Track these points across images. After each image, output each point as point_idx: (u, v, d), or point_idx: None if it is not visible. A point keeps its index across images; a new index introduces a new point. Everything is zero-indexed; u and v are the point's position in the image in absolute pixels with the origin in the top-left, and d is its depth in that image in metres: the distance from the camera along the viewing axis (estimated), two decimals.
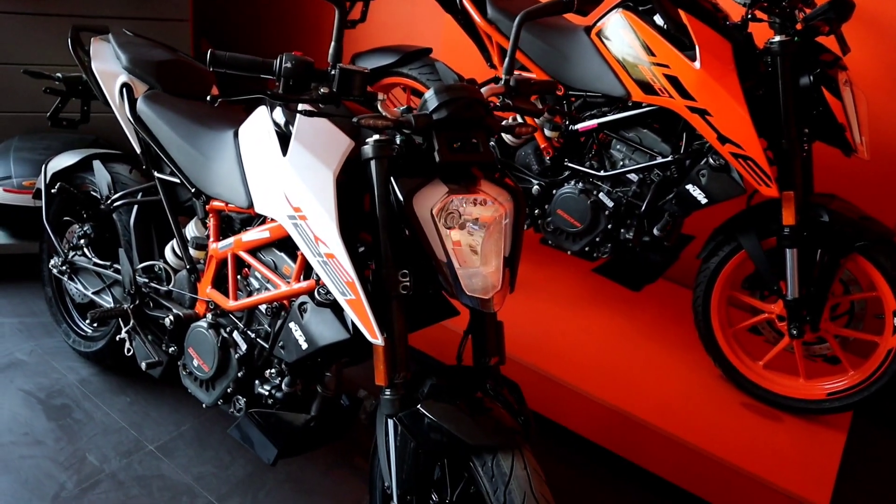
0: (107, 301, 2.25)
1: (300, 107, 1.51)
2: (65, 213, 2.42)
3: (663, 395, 2.35)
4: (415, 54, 2.75)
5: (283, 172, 1.54)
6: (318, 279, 1.59)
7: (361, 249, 1.56)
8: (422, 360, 2.66)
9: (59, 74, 2.42)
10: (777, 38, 2.01)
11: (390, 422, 1.47)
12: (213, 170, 1.85)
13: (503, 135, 2.63)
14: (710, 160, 2.12)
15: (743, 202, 2.27)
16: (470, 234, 1.43)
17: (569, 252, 2.49)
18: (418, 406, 1.41)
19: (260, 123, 1.70)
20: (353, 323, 1.51)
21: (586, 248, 2.44)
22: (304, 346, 1.60)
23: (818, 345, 2.30)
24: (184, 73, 2.17)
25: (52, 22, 2.88)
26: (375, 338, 1.43)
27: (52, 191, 2.27)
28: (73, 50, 2.14)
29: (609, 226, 2.36)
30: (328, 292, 1.56)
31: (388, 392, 1.47)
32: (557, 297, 2.80)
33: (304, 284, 1.64)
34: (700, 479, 2.18)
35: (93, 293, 2.28)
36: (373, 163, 1.44)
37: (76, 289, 2.36)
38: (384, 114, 1.46)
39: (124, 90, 2.07)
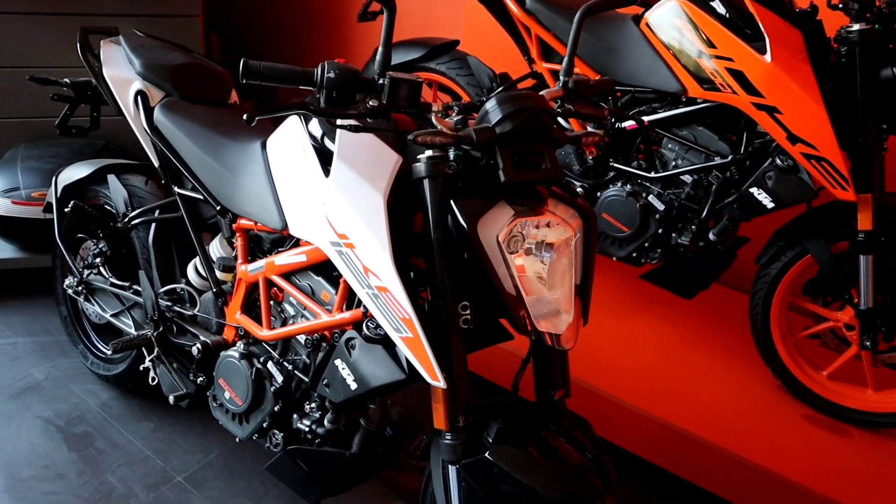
0: (126, 323, 2.10)
1: (342, 121, 1.35)
2: (78, 228, 2.26)
3: (719, 408, 2.20)
4: (442, 48, 2.58)
5: (326, 194, 1.38)
6: (366, 311, 1.44)
7: (412, 275, 1.40)
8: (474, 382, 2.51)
9: (66, 80, 2.27)
10: (855, 27, 1.82)
11: (452, 469, 1.33)
12: (241, 186, 1.70)
13: None
14: (778, 161, 1.95)
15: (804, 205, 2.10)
16: (537, 260, 1.28)
17: (614, 258, 2.33)
18: (486, 454, 1.27)
19: (293, 136, 1.54)
20: (408, 361, 1.36)
21: (634, 254, 2.28)
22: (354, 386, 1.44)
23: (888, 353, 2.14)
24: (201, 78, 2.01)
25: (56, 22, 2.71)
26: (437, 380, 1.28)
27: (66, 209, 2.11)
28: (82, 55, 1.98)
29: (660, 230, 2.20)
30: (378, 326, 1.41)
31: (448, 437, 1.33)
32: (603, 306, 2.61)
33: (348, 315, 1.49)
34: (760, 497, 2.04)
35: (111, 315, 2.13)
36: (426, 182, 1.28)
37: (93, 310, 2.21)
38: (440, 128, 1.30)
39: (139, 98, 1.91)
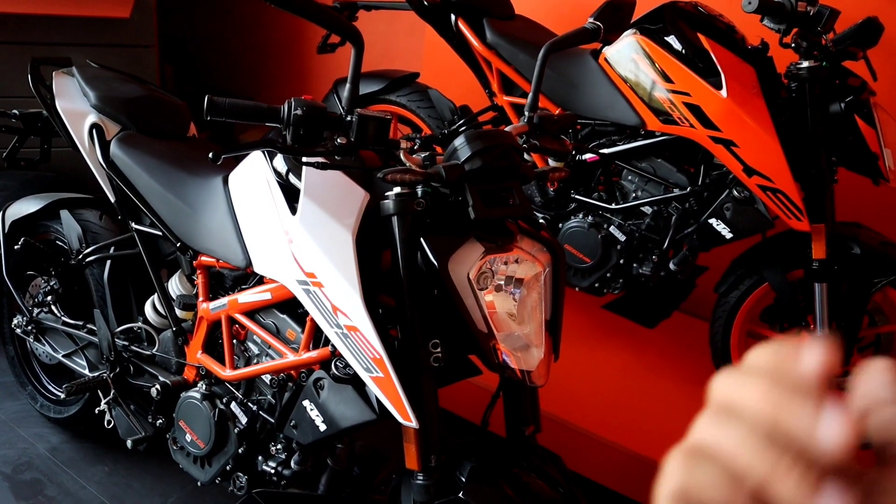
0: (79, 364, 2.02)
1: (307, 158, 1.33)
2: (27, 265, 2.17)
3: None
4: (402, 80, 2.59)
5: (293, 233, 1.36)
6: (334, 349, 1.41)
7: (380, 312, 1.39)
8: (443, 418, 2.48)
9: (15, 111, 2.19)
10: (805, 64, 1.89)
11: None
12: (202, 222, 1.66)
13: None
14: (735, 192, 2.00)
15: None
16: (507, 297, 1.28)
17: (577, 288, 2.34)
18: (460, 494, 1.25)
19: (257, 172, 1.52)
20: (378, 401, 1.33)
21: (596, 285, 2.30)
22: (323, 427, 1.41)
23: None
24: (158, 110, 1.96)
25: (5, 51, 2.63)
26: (409, 420, 1.26)
27: (16, 247, 2.03)
28: (33, 86, 1.92)
29: (621, 261, 2.23)
30: (347, 365, 1.38)
31: (421, 477, 1.30)
32: (566, 335, 2.61)
33: (315, 354, 1.46)
34: None
35: (63, 356, 2.05)
36: (395, 219, 1.27)
37: (44, 350, 2.12)
38: (409, 165, 1.29)
39: (94, 131, 1.86)
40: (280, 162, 1.48)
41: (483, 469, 1.31)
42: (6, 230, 2.13)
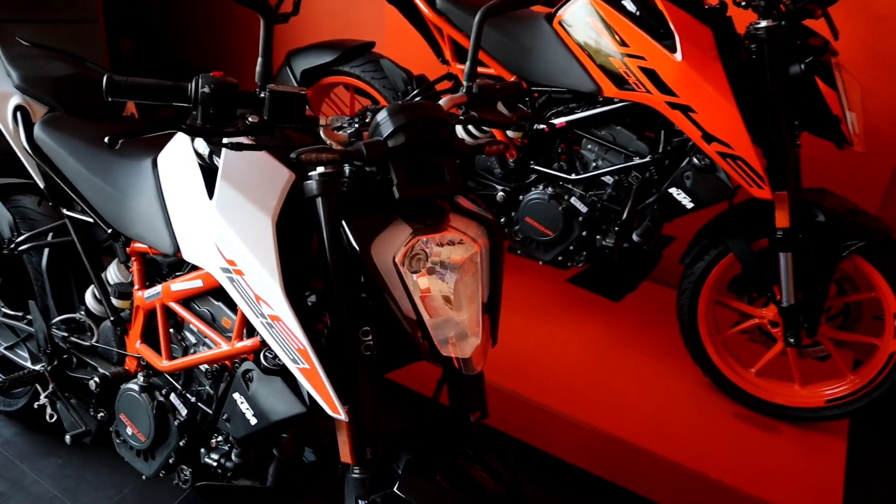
0: (22, 357, 1.96)
1: (226, 139, 1.25)
2: None
3: (650, 411, 2.18)
4: (356, 49, 2.49)
5: (211, 218, 1.28)
6: (264, 340, 1.34)
7: (312, 299, 1.32)
8: (397, 391, 2.43)
9: None
10: (763, 23, 1.80)
11: None
12: (131, 207, 1.58)
13: (459, 133, 2.39)
14: (695, 160, 1.93)
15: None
16: (440, 279, 1.20)
17: (540, 262, 2.28)
18: (394, 489, 1.20)
19: (180, 154, 1.43)
20: (308, 393, 1.27)
21: (559, 258, 2.23)
22: (253, 421, 1.35)
23: (812, 347, 2.14)
24: (89, 90, 1.86)
25: None
26: (337, 412, 1.20)
27: None
28: None
29: (584, 233, 2.16)
30: (276, 356, 1.32)
31: (356, 471, 1.25)
32: (531, 311, 2.59)
33: (248, 343, 1.39)
34: (694, 501, 2.02)
35: (5, 348, 1.98)
36: (319, 200, 1.19)
37: None
38: (329, 143, 1.21)
39: (19, 114, 1.76)
40: (201, 143, 1.40)
41: (420, 461, 1.25)
42: None
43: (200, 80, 1.14)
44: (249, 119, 1.16)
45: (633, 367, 2.36)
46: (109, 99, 1.13)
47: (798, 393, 2.15)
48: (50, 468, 2.07)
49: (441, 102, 1.36)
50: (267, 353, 1.33)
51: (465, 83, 1.41)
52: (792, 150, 1.87)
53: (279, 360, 1.31)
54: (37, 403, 1.84)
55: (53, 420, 1.83)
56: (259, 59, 1.20)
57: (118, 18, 3.86)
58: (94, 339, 1.78)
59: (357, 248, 1.15)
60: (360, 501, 1.25)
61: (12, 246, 1.87)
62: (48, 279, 1.87)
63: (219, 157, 1.33)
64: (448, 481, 1.24)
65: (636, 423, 2.11)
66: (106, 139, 1.10)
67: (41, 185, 1.78)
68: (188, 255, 1.41)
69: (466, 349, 1.22)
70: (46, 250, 1.88)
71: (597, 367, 2.34)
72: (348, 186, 1.21)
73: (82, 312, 1.84)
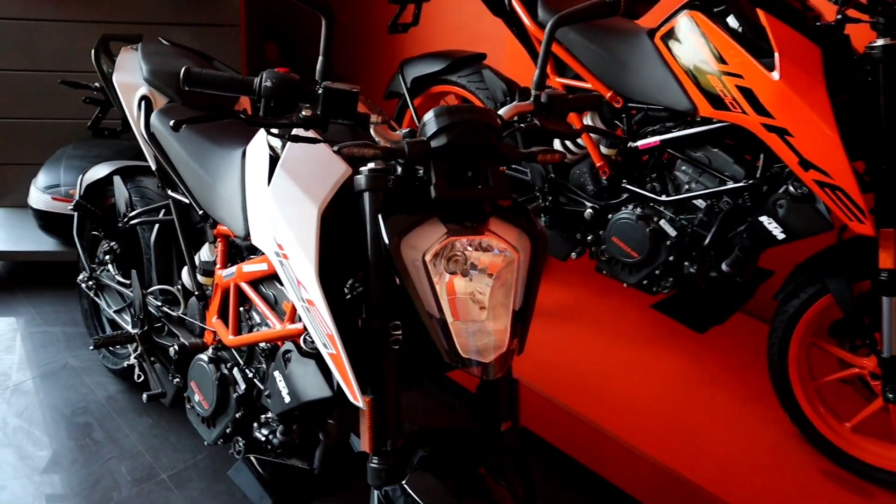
0: (126, 321, 2.17)
1: (295, 130, 1.33)
2: (94, 227, 2.35)
3: (726, 455, 2.03)
4: (465, 60, 2.53)
5: (267, 204, 1.36)
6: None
7: (358, 292, 1.36)
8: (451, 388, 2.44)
9: (96, 84, 2.37)
10: (880, 42, 1.65)
11: (376, 494, 1.28)
12: (219, 192, 1.71)
13: (557, 145, 2.36)
14: (791, 188, 1.79)
15: (833, 235, 1.92)
16: (473, 282, 1.21)
17: (625, 284, 2.20)
18: (402, 482, 1.21)
19: (259, 145, 1.54)
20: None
21: (645, 281, 2.15)
22: (287, 399, 1.42)
23: None
24: None
25: (94, 29, 2.84)
26: (357, 400, 1.24)
27: (69, 209, 2.20)
28: (95, 60, 2.07)
29: (671, 258, 2.06)
30: (314, 340, 1.38)
31: (375, 461, 1.28)
32: (611, 335, 2.50)
33: (296, 326, 1.47)
34: None
35: (114, 311, 2.20)
36: (366, 195, 1.24)
37: (103, 305, 2.29)
38: (378, 140, 1.25)
39: (143, 103, 1.96)
40: (275, 137, 1.49)
41: (436, 460, 1.26)
42: (82, 193, 2.31)
43: (265, 75, 1.22)
44: (303, 112, 1.23)
45: (712, 405, 2.22)
46: (185, 88, 1.24)
47: None
48: (142, 426, 2.27)
49: (505, 109, 1.37)
50: (307, 337, 1.39)
51: (533, 91, 1.40)
52: None
53: (314, 344, 1.36)
54: (126, 363, 2.03)
55: (141, 380, 2.01)
56: (320, 58, 1.27)
57: (267, 24, 4.16)
58: (182, 311, 1.93)
59: (387, 241, 1.18)
60: (373, 490, 1.28)
61: (125, 219, 2.07)
62: (154, 253, 2.06)
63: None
64: (462, 487, 1.24)
65: (708, 465, 1.98)
66: (171, 122, 1.21)
67: (153, 166, 1.96)
68: (255, 239, 1.51)
69: (489, 354, 1.21)
70: (156, 227, 2.07)
71: (672, 400, 2.22)
72: (394, 184, 1.25)
73: (179, 286, 2.00)
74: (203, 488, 2.05)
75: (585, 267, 2.68)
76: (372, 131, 1.27)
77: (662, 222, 2.06)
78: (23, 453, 2.10)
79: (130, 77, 2.02)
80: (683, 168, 2.03)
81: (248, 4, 3.09)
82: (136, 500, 1.99)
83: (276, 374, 1.45)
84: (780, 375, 2.03)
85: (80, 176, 2.35)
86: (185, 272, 1.99)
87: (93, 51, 2.08)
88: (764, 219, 1.84)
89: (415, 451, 1.28)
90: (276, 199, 1.33)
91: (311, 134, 1.29)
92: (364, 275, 1.27)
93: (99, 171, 2.30)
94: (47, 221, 2.84)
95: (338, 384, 1.32)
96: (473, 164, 1.23)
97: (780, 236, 1.83)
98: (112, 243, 2.25)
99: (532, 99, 1.40)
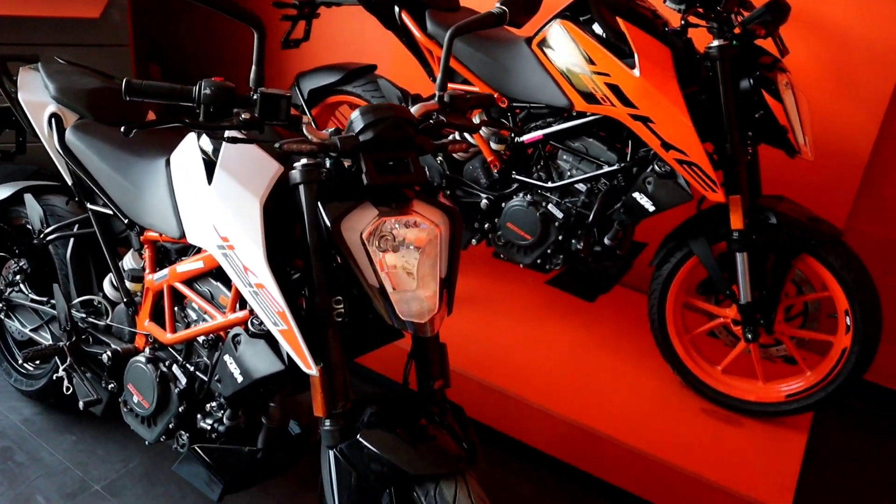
0: (45, 338, 2.17)
1: (227, 133, 1.46)
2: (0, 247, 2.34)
3: (622, 405, 2.33)
4: (359, 71, 2.71)
5: (209, 201, 1.49)
6: (252, 310, 1.54)
7: (296, 276, 1.51)
8: (373, 379, 2.61)
9: None
10: (716, 43, 2.00)
11: (331, 453, 1.42)
12: (145, 200, 1.79)
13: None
14: (656, 167, 2.10)
15: (693, 208, 2.26)
16: (404, 256, 1.39)
17: (521, 265, 2.45)
18: (357, 437, 1.37)
19: (188, 151, 1.65)
20: (287, 354, 1.46)
21: (538, 261, 2.41)
22: (240, 379, 1.54)
23: (775, 346, 2.29)
24: (116, 101, 2.10)
25: None
26: (310, 368, 1.38)
27: None
28: None
29: (560, 237, 2.34)
30: (261, 323, 1.51)
31: (327, 423, 1.42)
32: (512, 312, 2.77)
33: (239, 315, 1.59)
34: (663, 489, 2.16)
35: (31, 330, 2.20)
36: (301, 188, 1.40)
37: (14, 326, 2.28)
38: (310, 137, 1.41)
39: (53, 120, 2.00)
40: (206, 141, 1.61)
41: (383, 416, 1.42)
42: None
43: (203, 84, 1.35)
44: (243, 116, 1.36)
45: (606, 364, 2.52)
46: (128, 98, 1.34)
47: (760, 389, 2.28)
48: (65, 444, 2.27)
49: (414, 108, 1.57)
50: (253, 321, 1.52)
51: (437, 92, 1.61)
52: (744, 158, 2.04)
53: (264, 326, 1.50)
54: (55, 375, 2.05)
55: (69, 392, 2.03)
56: (253, 67, 1.41)
57: (149, 45, 4.16)
58: (109, 320, 1.99)
59: (328, 225, 1.34)
60: (329, 451, 1.42)
61: (42, 236, 2.09)
62: (71, 267, 2.09)
63: (220, 151, 1.55)
64: (410, 436, 1.41)
65: (607, 415, 2.26)
66: (122, 128, 1.31)
67: (69, 181, 2.01)
68: (191, 238, 1.62)
69: (424, 316, 1.40)
70: (71, 241, 2.10)
71: (572, 364, 2.50)
72: (326, 176, 1.41)
73: (100, 298, 2.05)
74: (140, 493, 2.10)
75: (483, 256, 2.93)
76: (305, 130, 1.43)
77: (550, 206, 2.33)
78: None
79: (36, 95, 2.05)
80: (564, 157, 2.31)
81: (134, 25, 3.12)
82: None
83: (227, 357, 1.56)
84: (660, 331, 2.35)
85: None
86: (106, 282, 2.04)
87: None
88: (636, 195, 2.15)
89: (363, 411, 1.43)
90: (219, 195, 1.46)
91: (242, 135, 1.42)
92: (304, 258, 1.42)
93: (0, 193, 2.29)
94: None
95: (289, 358, 1.46)
96: (396, 154, 1.42)
97: (651, 209, 2.14)
98: (21, 262, 2.24)
99: (437, 99, 1.60)
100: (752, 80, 2.00)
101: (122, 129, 1.33)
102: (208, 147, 1.60)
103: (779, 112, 2.00)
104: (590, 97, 2.12)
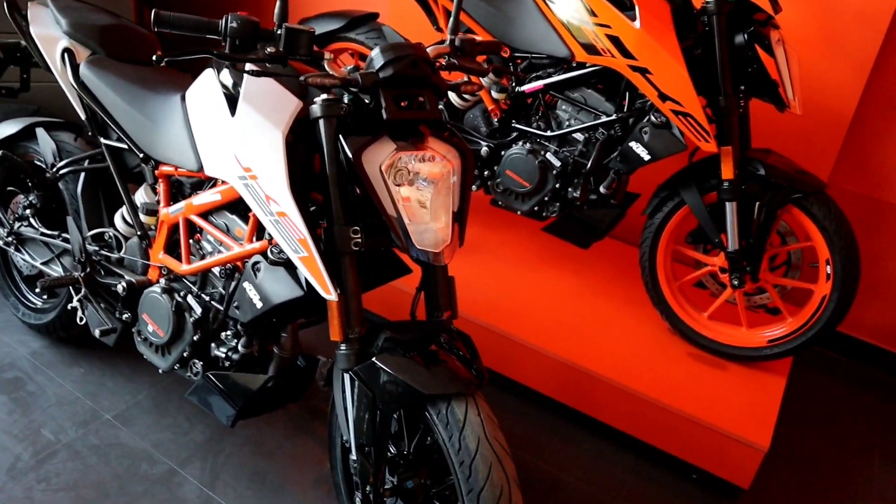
0: (56, 271, 2.23)
1: (247, 66, 1.52)
2: (9, 182, 2.37)
3: (613, 348, 2.44)
4: (361, 19, 2.75)
5: (233, 133, 1.54)
6: (271, 239, 1.61)
7: (313, 209, 1.58)
8: (376, 321, 2.69)
9: None
10: None
11: (346, 376, 1.50)
12: (161, 134, 1.84)
13: (451, 97, 2.65)
14: (652, 118, 2.18)
15: (685, 159, 2.35)
16: (419, 189, 1.46)
17: (518, 212, 2.54)
18: (373, 359, 1.45)
19: (207, 85, 1.70)
20: (306, 280, 1.53)
21: (535, 208, 2.49)
22: (259, 304, 1.62)
23: (759, 295, 2.41)
24: (127, 38, 2.13)
25: None
26: (329, 293, 1.46)
27: None
28: (9, 13, 2.08)
29: (557, 185, 2.42)
30: (281, 251, 1.58)
31: (343, 347, 1.50)
32: (509, 258, 2.86)
33: (257, 245, 1.66)
34: (649, 426, 2.28)
35: (41, 263, 2.25)
36: (321, 122, 1.46)
37: (23, 260, 2.32)
38: (331, 72, 1.47)
39: (66, 55, 2.03)
40: (227, 76, 1.66)
41: (396, 341, 1.50)
42: None
43: (229, 17, 1.39)
44: (268, 50, 1.42)
45: (598, 310, 2.63)
46: (156, 28, 1.39)
47: (744, 334, 2.41)
48: (74, 375, 2.34)
49: (428, 50, 1.62)
50: (273, 249, 1.59)
51: (448, 36, 1.66)
52: (736, 110, 2.13)
53: (283, 254, 1.57)
54: (70, 305, 2.11)
55: (83, 323, 2.10)
56: (277, 3, 1.46)
57: None
58: (122, 252, 2.04)
59: (350, 157, 1.41)
60: (344, 374, 1.51)
61: (54, 170, 2.13)
62: (82, 202, 2.13)
63: (241, 86, 1.60)
64: (423, 359, 1.49)
65: (599, 357, 2.37)
66: (153, 57, 1.36)
67: (83, 116, 2.04)
68: (210, 170, 1.68)
69: (438, 245, 1.48)
70: (82, 176, 2.14)
71: (566, 308, 2.60)
72: (346, 111, 1.48)
73: (111, 231, 2.10)
74: (149, 423, 2.18)
75: (482, 203, 3.01)
76: (326, 66, 1.49)
77: (549, 155, 2.41)
78: None
79: (48, 30, 2.07)
80: (564, 107, 2.38)
81: None
82: (84, 440, 2.09)
83: (246, 284, 1.63)
84: (650, 278, 2.45)
85: None
86: (118, 217, 2.09)
87: (5, 4, 2.09)
88: (633, 144, 2.23)
89: (377, 336, 1.52)
90: (242, 126, 1.52)
91: (256, 68, 1.48)
92: (323, 190, 1.49)
93: (6, 129, 2.31)
94: None
95: (307, 283, 1.54)
96: (413, 92, 1.48)
97: (647, 157, 2.22)
98: (31, 197, 2.28)
99: (448, 42, 1.66)
100: (746, 35, 2.08)
101: (154, 57, 1.37)
102: (229, 81, 1.65)
103: (770, 68, 2.08)
104: (590, 48, 2.19)
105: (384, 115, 1.43)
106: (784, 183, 2.14)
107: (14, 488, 1.90)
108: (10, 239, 2.31)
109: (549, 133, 2.40)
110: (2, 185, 2.36)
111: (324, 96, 1.47)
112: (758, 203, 2.22)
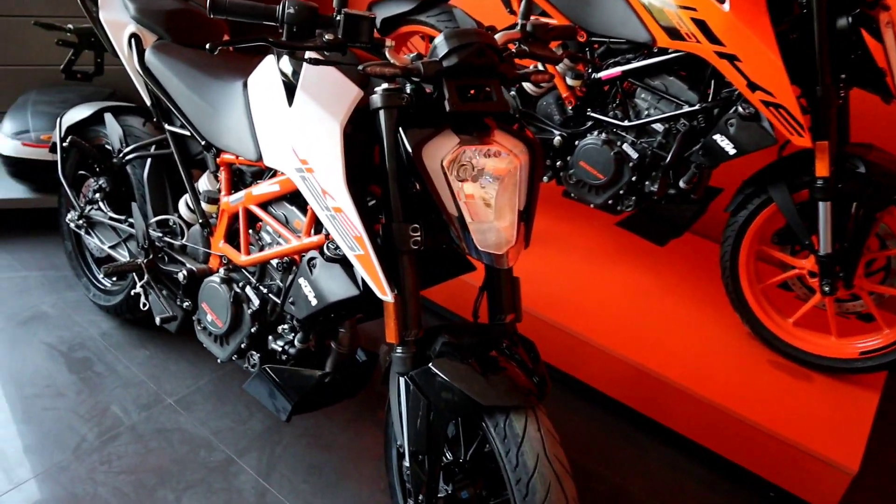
0: (123, 255, 2.25)
1: (307, 55, 1.45)
2: (80, 166, 2.40)
3: (687, 352, 2.30)
4: (432, 1, 2.65)
5: (289, 124, 1.49)
6: (328, 234, 1.55)
7: (372, 203, 1.51)
8: (440, 314, 2.63)
9: (70, 26, 2.38)
10: None
11: (401, 380, 1.44)
12: (223, 121, 1.81)
13: (524, 84, 2.53)
14: (740, 108, 2.01)
15: (774, 153, 2.17)
16: (483, 186, 1.37)
17: (592, 205, 2.41)
18: (429, 365, 1.38)
19: (267, 73, 1.65)
20: (363, 279, 1.47)
21: (610, 202, 2.36)
22: (314, 302, 1.57)
23: (852, 301, 2.21)
24: (194, 23, 2.11)
25: None
26: (385, 294, 1.39)
27: (64, 143, 2.25)
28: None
29: (633, 178, 2.28)
30: (337, 247, 1.52)
31: (399, 350, 1.43)
32: (580, 252, 2.74)
33: (314, 239, 1.61)
34: (724, 438, 2.14)
35: (109, 247, 2.28)
36: (381, 113, 1.38)
37: (94, 243, 2.36)
38: (392, 61, 1.39)
39: (133, 41, 2.02)
40: (286, 63, 1.60)
41: (454, 346, 1.42)
42: (62, 135, 2.35)
43: (287, 3, 1.33)
44: (326, 37, 1.35)
45: (673, 310, 2.48)
46: (212, 15, 1.34)
47: (833, 344, 2.22)
48: (139, 358, 2.36)
49: (497, 36, 1.52)
50: (329, 245, 1.54)
51: (519, 21, 1.56)
52: (835, 102, 1.93)
53: (339, 251, 1.51)
54: (133, 291, 2.12)
55: (146, 308, 2.11)
56: None
57: None
58: (184, 240, 2.04)
59: (410, 151, 1.33)
60: (400, 377, 1.44)
61: (120, 155, 2.14)
62: (148, 187, 2.13)
63: (300, 74, 1.54)
64: (481, 367, 1.41)
65: (671, 361, 2.24)
66: (207, 45, 1.31)
67: (148, 102, 2.04)
68: (268, 161, 1.63)
69: (501, 248, 1.38)
70: (148, 162, 2.14)
71: (639, 308, 2.47)
72: (407, 101, 1.39)
73: (175, 218, 2.10)
74: (209, 410, 2.18)
75: (553, 195, 2.89)
76: (387, 54, 1.41)
77: (625, 146, 2.27)
78: (24, 392, 2.17)
79: (116, 15, 2.07)
80: (643, 96, 2.23)
81: None
82: (147, 423, 2.10)
83: (301, 280, 1.59)
84: (731, 280, 2.29)
85: (59, 119, 2.38)
86: (182, 203, 2.08)
87: None
88: (717, 137, 2.07)
89: (435, 340, 1.44)
90: (299, 117, 1.46)
91: (316, 55, 1.41)
92: (382, 184, 1.41)
93: (79, 113, 2.34)
94: (17, 168, 2.84)
95: (363, 283, 1.48)
96: (479, 81, 1.38)
97: (732, 152, 2.06)
98: (101, 181, 2.30)
99: (519, 28, 1.55)
100: (850, 18, 1.87)
101: (208, 46, 1.32)
102: (288, 69, 1.59)
103: (877, 54, 1.88)
104: (673, 32, 2.03)
105: (447, 107, 1.34)
106: (887, 182, 1.94)
107: (78, 468, 1.94)
108: (81, 222, 2.35)
109: (626, 123, 2.25)
110: (74, 169, 2.40)
111: (385, 86, 1.39)
112: (855, 203, 2.03)
